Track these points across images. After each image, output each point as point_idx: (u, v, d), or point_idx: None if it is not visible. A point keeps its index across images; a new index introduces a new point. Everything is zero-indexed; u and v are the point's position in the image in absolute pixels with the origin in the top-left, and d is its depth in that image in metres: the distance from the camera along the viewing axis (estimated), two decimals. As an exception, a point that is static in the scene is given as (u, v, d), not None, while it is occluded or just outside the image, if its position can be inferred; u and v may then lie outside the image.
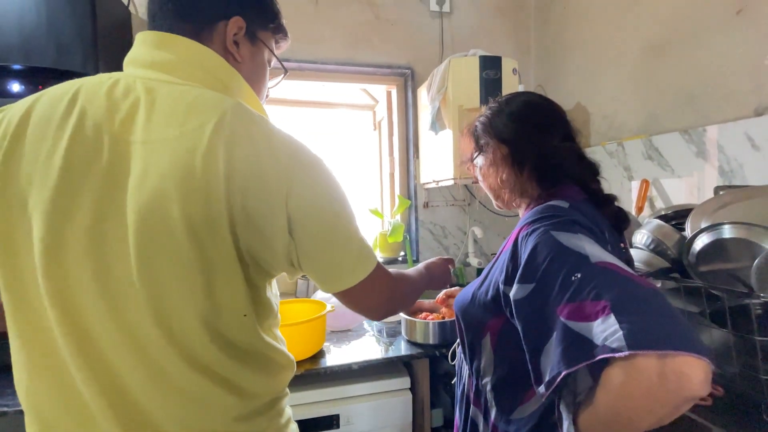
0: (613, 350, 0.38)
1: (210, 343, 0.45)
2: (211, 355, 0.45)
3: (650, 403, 0.38)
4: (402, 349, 1.13)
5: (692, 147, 1.15)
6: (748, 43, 1.01)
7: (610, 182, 1.38)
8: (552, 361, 0.44)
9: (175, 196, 0.42)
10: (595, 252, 0.47)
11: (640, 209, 1.24)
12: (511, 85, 1.36)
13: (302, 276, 1.59)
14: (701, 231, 0.77)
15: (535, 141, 0.65)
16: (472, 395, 0.68)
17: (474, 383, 0.67)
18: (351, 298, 0.54)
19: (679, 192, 1.20)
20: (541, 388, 0.46)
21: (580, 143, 0.69)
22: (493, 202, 0.76)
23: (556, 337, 0.44)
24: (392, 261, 1.74)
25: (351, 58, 1.63)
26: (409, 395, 1.11)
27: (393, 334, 1.25)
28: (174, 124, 0.43)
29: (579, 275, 0.44)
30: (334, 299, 1.33)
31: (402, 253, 1.78)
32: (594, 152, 1.48)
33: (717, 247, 0.75)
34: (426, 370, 1.13)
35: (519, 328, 0.51)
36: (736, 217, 0.75)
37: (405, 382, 1.13)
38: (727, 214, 0.77)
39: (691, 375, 0.36)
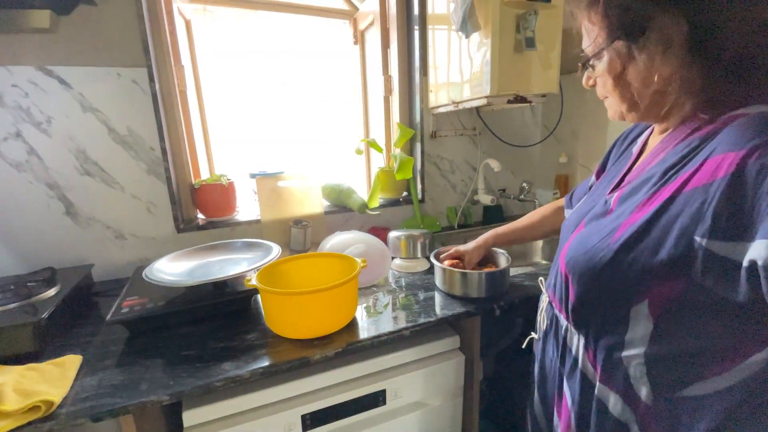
0: None
1: None
2: None
3: None
4: (451, 306, 0.93)
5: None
6: None
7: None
8: None
9: None
10: None
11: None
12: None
13: (298, 224, 1.28)
14: None
15: (737, 7, 0.42)
16: (597, 371, 0.53)
17: (601, 357, 0.53)
18: None
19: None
20: None
21: None
22: (619, 110, 0.54)
23: None
24: (395, 202, 1.49)
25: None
26: (461, 356, 0.94)
27: (422, 286, 1.04)
28: None
29: None
30: (353, 248, 1.08)
31: (405, 193, 1.53)
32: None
33: None
34: (477, 328, 0.96)
35: None
36: None
37: (455, 341, 0.95)
38: None
39: None
